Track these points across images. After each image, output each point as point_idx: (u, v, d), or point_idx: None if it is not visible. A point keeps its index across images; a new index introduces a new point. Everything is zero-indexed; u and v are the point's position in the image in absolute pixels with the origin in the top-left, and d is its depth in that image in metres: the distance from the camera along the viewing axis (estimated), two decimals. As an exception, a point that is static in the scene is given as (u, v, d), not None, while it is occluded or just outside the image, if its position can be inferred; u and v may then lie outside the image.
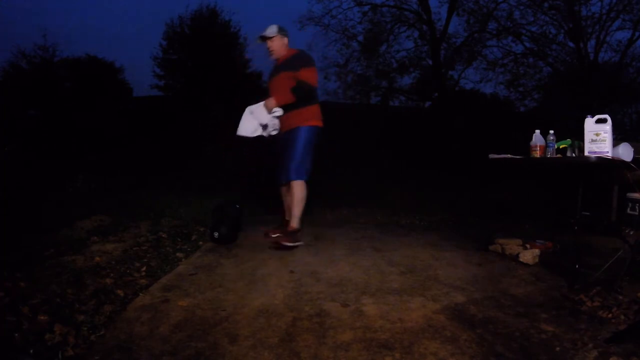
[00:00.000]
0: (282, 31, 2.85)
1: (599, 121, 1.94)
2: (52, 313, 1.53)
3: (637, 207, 2.46)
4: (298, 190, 2.75)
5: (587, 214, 2.14)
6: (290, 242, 2.70)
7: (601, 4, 9.81)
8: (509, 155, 2.44)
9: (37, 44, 14.74)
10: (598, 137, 1.93)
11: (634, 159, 1.97)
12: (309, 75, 2.73)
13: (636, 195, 2.41)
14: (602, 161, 1.91)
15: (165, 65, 17.11)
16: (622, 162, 1.93)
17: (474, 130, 9.16)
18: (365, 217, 4.09)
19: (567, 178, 2.41)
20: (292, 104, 2.71)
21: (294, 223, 2.76)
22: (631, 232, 2.31)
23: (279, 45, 2.85)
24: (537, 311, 1.71)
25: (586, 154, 1.96)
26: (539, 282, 2.11)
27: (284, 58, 2.85)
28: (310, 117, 2.79)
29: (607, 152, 1.90)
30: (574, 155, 2.20)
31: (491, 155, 2.53)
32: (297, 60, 2.78)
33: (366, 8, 11.45)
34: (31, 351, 1.29)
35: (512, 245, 2.65)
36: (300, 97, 2.70)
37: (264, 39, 2.86)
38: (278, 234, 2.78)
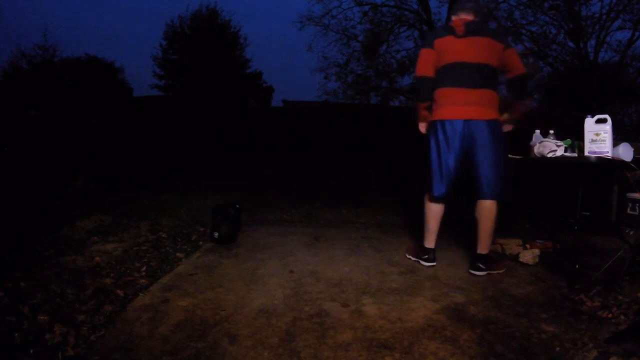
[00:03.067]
0: (449, 10, 2.47)
1: (599, 121, 1.94)
2: (52, 313, 1.53)
3: (637, 207, 2.46)
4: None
5: (587, 214, 2.13)
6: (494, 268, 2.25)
7: (601, 4, 9.82)
8: (509, 155, 2.44)
9: (37, 44, 14.80)
10: (598, 137, 1.93)
11: (634, 159, 1.96)
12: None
13: (636, 195, 2.40)
14: (602, 161, 1.90)
15: (165, 65, 17.14)
16: (622, 162, 1.93)
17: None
18: (365, 217, 4.09)
19: (567, 178, 2.41)
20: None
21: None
22: (631, 232, 2.31)
23: None
24: (537, 311, 1.71)
25: (586, 154, 1.96)
26: (539, 282, 2.11)
27: None
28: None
29: (607, 152, 1.90)
30: (574, 155, 2.20)
31: None
32: None
33: (366, 8, 11.45)
34: (31, 351, 1.29)
35: (512, 245, 2.65)
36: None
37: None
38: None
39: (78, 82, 14.73)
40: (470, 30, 2.19)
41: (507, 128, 2.29)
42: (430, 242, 2.39)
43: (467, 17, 2.26)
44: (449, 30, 2.27)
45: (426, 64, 2.26)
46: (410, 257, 2.49)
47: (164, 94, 16.77)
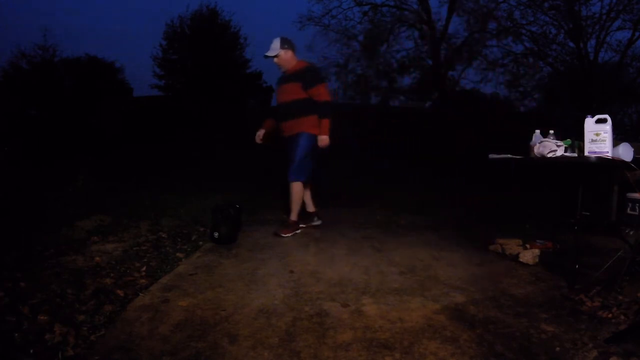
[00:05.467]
0: (284, 45, 3.04)
1: (599, 121, 1.94)
2: (52, 313, 1.53)
3: (637, 207, 2.46)
4: (294, 190, 3.08)
5: (587, 214, 2.13)
6: (286, 232, 3.01)
7: (601, 4, 9.84)
8: (509, 155, 2.44)
9: (37, 44, 14.79)
10: (598, 137, 1.92)
11: (634, 159, 1.96)
12: (324, 92, 3.03)
13: (636, 195, 2.41)
14: (602, 161, 1.90)
15: (165, 65, 17.11)
16: (622, 162, 1.93)
17: (473, 129, 9.16)
18: (365, 217, 4.09)
19: (567, 178, 2.41)
20: (297, 112, 3.05)
21: (292, 217, 3.12)
22: (631, 232, 2.31)
23: (285, 59, 3.08)
24: (537, 311, 1.71)
25: (586, 154, 1.96)
26: (539, 282, 2.11)
27: (294, 69, 3.10)
28: (313, 125, 3.05)
29: (607, 152, 1.90)
30: (574, 155, 2.19)
31: (491, 156, 2.53)
32: (309, 75, 3.04)
33: (366, 8, 11.51)
34: (31, 351, 1.29)
35: (512, 245, 2.65)
36: (324, 113, 3.03)
37: (269, 57, 3.08)
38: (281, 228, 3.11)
39: (78, 82, 14.72)
40: None
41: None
42: (311, 207, 3.32)
43: None
44: None
45: None
46: (295, 231, 3.03)
47: (164, 94, 16.75)
